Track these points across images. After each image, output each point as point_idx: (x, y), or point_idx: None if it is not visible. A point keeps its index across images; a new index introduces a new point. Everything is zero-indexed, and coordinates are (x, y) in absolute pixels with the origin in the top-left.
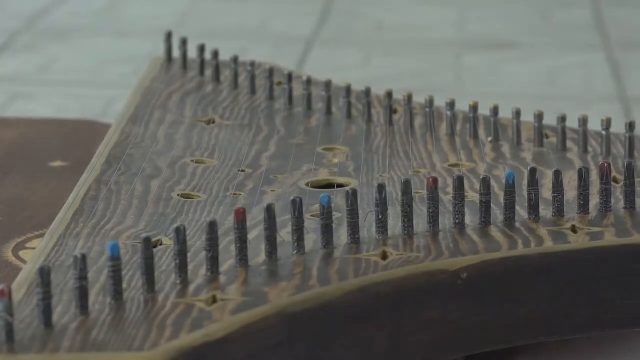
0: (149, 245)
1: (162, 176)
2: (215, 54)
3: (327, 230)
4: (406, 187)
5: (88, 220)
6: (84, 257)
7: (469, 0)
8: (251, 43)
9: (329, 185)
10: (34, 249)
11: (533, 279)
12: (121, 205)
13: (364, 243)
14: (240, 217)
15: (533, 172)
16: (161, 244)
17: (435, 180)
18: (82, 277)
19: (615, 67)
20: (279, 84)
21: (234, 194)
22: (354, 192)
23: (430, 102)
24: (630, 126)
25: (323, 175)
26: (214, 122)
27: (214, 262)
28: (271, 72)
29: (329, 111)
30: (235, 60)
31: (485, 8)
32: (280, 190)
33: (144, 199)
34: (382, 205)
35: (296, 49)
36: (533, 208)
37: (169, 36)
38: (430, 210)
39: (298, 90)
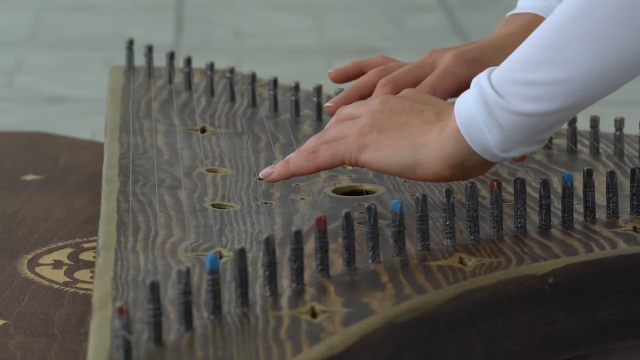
0: (243, 258)
1: (184, 186)
2: (188, 61)
3: (399, 237)
4: (472, 191)
5: (136, 234)
6: (188, 271)
7: (321, 7)
8: (113, 52)
9: (357, 192)
10: (50, 264)
11: (612, 281)
12: (160, 217)
13: (435, 250)
14: (322, 226)
15: (589, 173)
16: (220, 257)
17: (499, 184)
18: (187, 292)
19: None
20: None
21: (264, 203)
22: (424, 198)
23: None
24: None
25: (345, 182)
26: (205, 131)
27: (299, 272)
28: (253, 78)
29: (319, 117)
30: (211, 67)
31: (339, 14)
32: (310, 198)
33: (180, 210)
34: (449, 210)
35: (158, 57)
36: (590, 210)
37: (130, 44)
38: (495, 214)
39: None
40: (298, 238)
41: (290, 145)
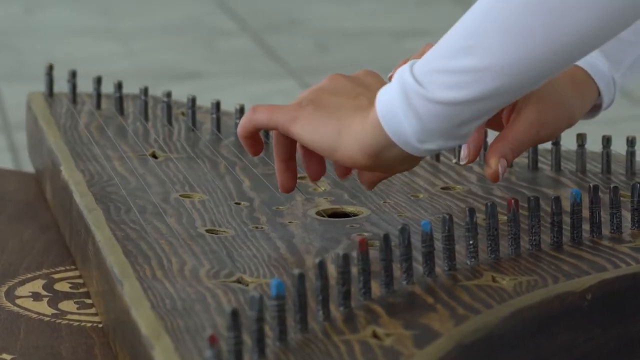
0: (303, 282)
1: (168, 213)
2: (119, 86)
3: (429, 258)
4: (492, 209)
5: (149, 262)
6: (261, 298)
7: (130, 33)
8: None
9: (344, 214)
10: (29, 297)
11: None
12: (162, 244)
13: (461, 269)
14: (364, 248)
15: (596, 189)
16: (240, 282)
17: (517, 202)
18: (260, 319)
19: None
20: (183, 114)
21: (256, 227)
22: (451, 218)
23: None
24: (608, 142)
25: (323, 204)
26: (156, 156)
27: (347, 296)
28: (193, 101)
29: (266, 137)
30: (145, 92)
31: (150, 40)
32: (298, 221)
33: (177, 236)
34: (473, 229)
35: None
36: (596, 225)
37: (50, 69)
38: (513, 232)
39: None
40: (346, 261)
41: (252, 168)
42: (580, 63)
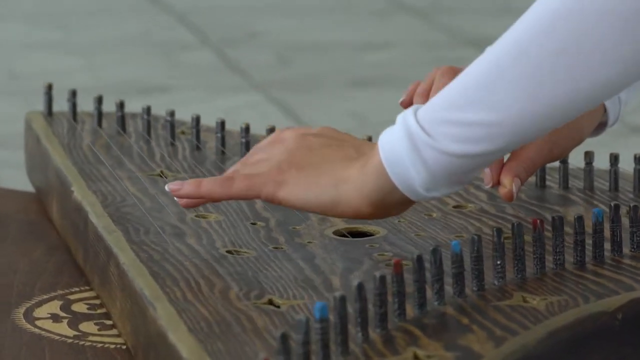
0: (344, 305)
1: (187, 233)
2: (121, 105)
3: (459, 278)
4: (519, 229)
5: (177, 284)
6: (307, 322)
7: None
8: None
9: (361, 234)
10: (48, 318)
11: None
12: (187, 265)
13: (490, 289)
14: (399, 270)
15: (617, 208)
16: (272, 303)
17: (542, 222)
18: (306, 342)
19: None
20: (182, 133)
21: (276, 248)
22: (479, 238)
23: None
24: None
25: (339, 224)
26: (165, 176)
27: (384, 318)
28: (198, 121)
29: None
30: (147, 111)
31: (110, 54)
32: (317, 241)
33: (200, 257)
34: (500, 249)
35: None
36: (617, 244)
37: (49, 89)
38: (538, 253)
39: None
40: (383, 283)
41: None
42: None
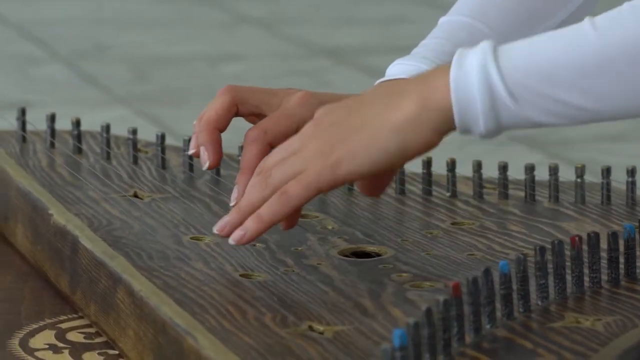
0: (417, 331)
1: (192, 257)
2: (77, 123)
3: (508, 299)
4: (560, 247)
5: (207, 311)
6: (393, 350)
7: None
8: None
9: (365, 254)
10: (46, 349)
11: None
12: (208, 291)
13: (537, 310)
14: (459, 293)
15: None
16: (313, 329)
17: (580, 239)
18: None
19: (152, 117)
20: (145, 152)
21: (287, 270)
22: (525, 258)
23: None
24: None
25: (340, 243)
26: (139, 197)
27: (448, 343)
28: (163, 138)
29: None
30: (107, 129)
31: None
32: (326, 262)
33: (217, 282)
34: (544, 269)
35: None
36: None
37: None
38: (577, 271)
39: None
40: (446, 307)
41: None
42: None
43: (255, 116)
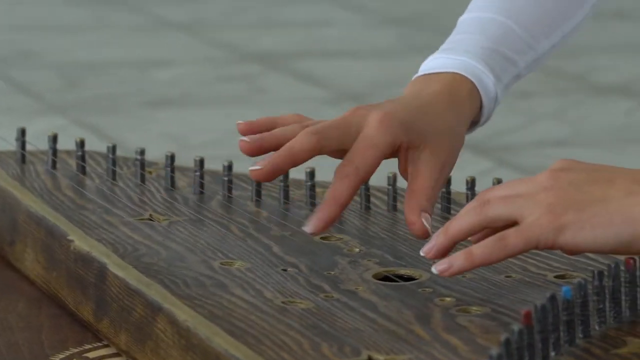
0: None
1: (227, 284)
2: (82, 144)
3: (571, 326)
4: (616, 271)
5: (262, 342)
6: None
7: None
8: None
9: (399, 277)
10: None
11: None
12: (256, 319)
13: (596, 336)
14: (530, 321)
15: None
16: (371, 359)
17: (635, 262)
18: None
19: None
20: (150, 172)
21: (326, 296)
22: (586, 283)
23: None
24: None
25: (373, 267)
26: (155, 220)
27: None
28: (172, 159)
29: (258, 196)
30: (113, 149)
31: None
32: (364, 287)
33: (261, 310)
34: (602, 293)
35: None
36: None
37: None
38: (632, 293)
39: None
40: (521, 336)
41: (266, 231)
42: (469, 75)
43: (337, 152)
